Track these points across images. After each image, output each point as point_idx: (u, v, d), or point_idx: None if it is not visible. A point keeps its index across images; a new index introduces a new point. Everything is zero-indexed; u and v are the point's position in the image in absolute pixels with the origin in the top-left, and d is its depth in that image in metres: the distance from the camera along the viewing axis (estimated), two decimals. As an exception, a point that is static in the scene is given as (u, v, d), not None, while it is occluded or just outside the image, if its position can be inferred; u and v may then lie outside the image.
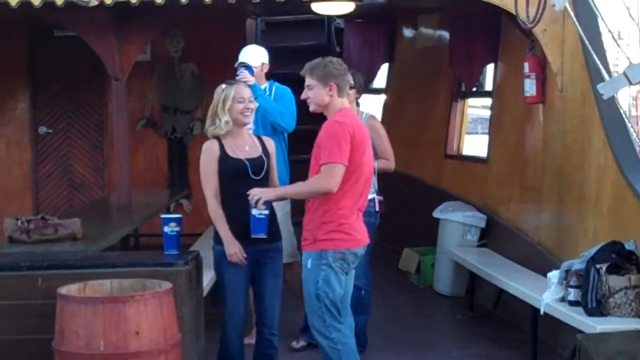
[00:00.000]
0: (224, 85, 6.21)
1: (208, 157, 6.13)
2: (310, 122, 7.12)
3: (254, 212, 5.90)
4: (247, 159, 6.11)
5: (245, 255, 6.03)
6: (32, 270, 5.59)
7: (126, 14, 8.87)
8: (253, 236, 5.98)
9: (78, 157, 12.46)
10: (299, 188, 5.97)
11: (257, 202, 5.86)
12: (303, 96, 5.97)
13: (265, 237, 5.99)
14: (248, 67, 7.51)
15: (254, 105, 6.34)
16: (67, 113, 12.39)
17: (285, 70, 9.15)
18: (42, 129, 12.37)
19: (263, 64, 7.71)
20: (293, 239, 7.61)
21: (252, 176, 6.09)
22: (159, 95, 12.33)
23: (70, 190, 12.47)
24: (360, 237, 5.89)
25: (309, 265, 5.81)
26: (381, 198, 7.44)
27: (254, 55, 7.71)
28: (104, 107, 12.26)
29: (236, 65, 7.64)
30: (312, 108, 5.99)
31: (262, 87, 7.67)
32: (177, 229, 6.04)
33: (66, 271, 5.56)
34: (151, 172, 12.32)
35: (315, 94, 5.88)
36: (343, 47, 13.60)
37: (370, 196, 7.09)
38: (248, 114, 6.21)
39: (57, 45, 12.04)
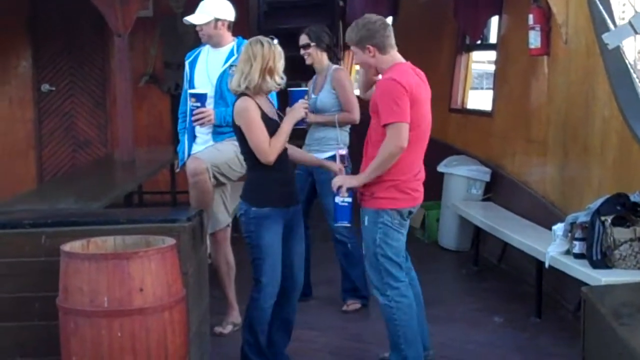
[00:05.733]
0: (276, 41, 5.73)
1: (255, 112, 5.67)
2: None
3: (337, 199, 5.81)
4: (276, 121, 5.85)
5: None
6: (35, 227, 5.55)
7: (128, -32, 8.82)
8: (336, 224, 6.04)
9: (81, 114, 12.44)
10: (376, 165, 5.65)
11: (339, 189, 5.76)
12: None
13: (349, 225, 5.98)
14: (199, 96, 6.38)
15: None
16: (70, 70, 12.36)
17: (288, 25, 9.08)
18: (45, 87, 12.34)
19: (217, 20, 6.48)
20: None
21: None
22: (162, 51, 12.28)
23: (74, 147, 12.48)
24: (417, 195, 5.81)
25: (366, 222, 5.76)
26: (343, 152, 6.53)
27: (200, 13, 6.44)
28: (106, 64, 12.23)
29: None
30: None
31: (224, 47, 6.57)
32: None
33: (70, 228, 5.53)
34: (154, 129, 12.31)
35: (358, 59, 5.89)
36: (347, 1, 13.51)
37: (331, 152, 7.08)
38: None
39: (58, 2, 11.97)
